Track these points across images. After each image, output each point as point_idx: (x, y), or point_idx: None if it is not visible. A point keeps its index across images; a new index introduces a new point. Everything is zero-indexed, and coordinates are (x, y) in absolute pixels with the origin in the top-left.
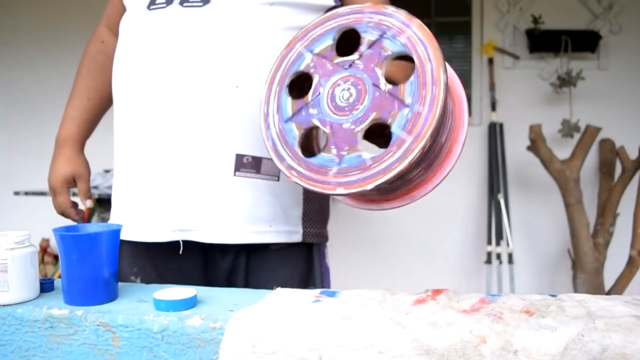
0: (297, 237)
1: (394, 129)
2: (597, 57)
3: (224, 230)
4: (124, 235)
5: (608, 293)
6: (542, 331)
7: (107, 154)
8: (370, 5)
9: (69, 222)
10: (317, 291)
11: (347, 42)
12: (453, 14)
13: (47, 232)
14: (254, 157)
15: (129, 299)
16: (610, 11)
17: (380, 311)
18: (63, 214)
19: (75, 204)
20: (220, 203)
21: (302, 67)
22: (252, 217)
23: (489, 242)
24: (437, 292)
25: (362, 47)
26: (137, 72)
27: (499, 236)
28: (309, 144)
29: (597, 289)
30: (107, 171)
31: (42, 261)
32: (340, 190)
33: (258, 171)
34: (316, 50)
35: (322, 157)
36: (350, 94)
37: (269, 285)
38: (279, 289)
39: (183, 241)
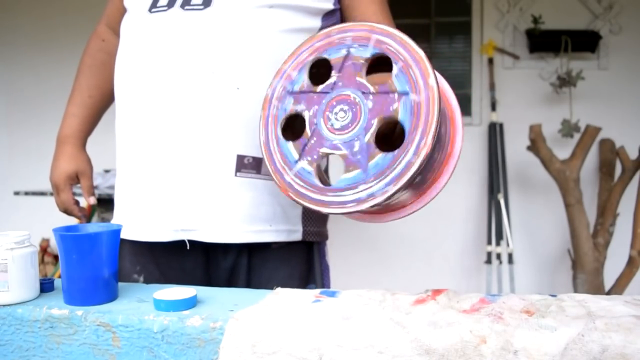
0: (297, 236)
1: (402, 117)
2: (597, 57)
3: (225, 230)
4: (127, 235)
5: (608, 293)
6: (542, 331)
7: (107, 153)
8: (337, 27)
9: (69, 222)
10: (317, 291)
11: (324, 66)
12: (453, 14)
13: (47, 232)
14: (254, 158)
15: (129, 299)
16: (610, 11)
17: (380, 311)
18: (66, 211)
19: (77, 202)
20: (222, 203)
21: (288, 110)
22: (252, 216)
23: (489, 242)
24: (437, 292)
25: (335, 69)
26: (140, 74)
27: (499, 236)
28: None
29: (597, 289)
30: (107, 171)
31: (42, 261)
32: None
33: (258, 172)
34: (296, 89)
35: (347, 177)
36: (345, 112)
37: (270, 284)
38: (279, 289)
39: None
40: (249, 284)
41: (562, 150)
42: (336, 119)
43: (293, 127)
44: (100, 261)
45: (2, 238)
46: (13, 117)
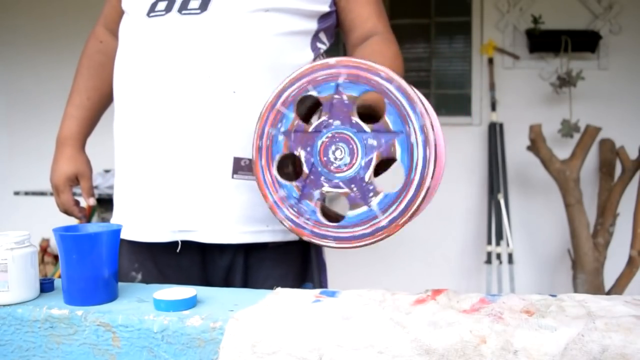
0: (293, 236)
1: (400, 156)
2: (597, 57)
3: (223, 231)
4: (126, 235)
5: (608, 293)
6: (542, 331)
7: (107, 153)
8: (320, 63)
9: (69, 222)
10: (317, 291)
11: (312, 102)
12: (453, 14)
13: (47, 232)
14: (251, 160)
15: (129, 299)
16: (610, 11)
17: (380, 311)
18: (66, 212)
19: (77, 202)
20: (219, 205)
21: (282, 149)
22: (249, 217)
23: (489, 242)
24: (437, 292)
25: (325, 106)
26: (138, 78)
27: (499, 236)
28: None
29: (597, 289)
30: (107, 171)
31: (42, 261)
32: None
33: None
34: (288, 128)
35: (355, 214)
36: (342, 151)
37: (267, 282)
38: (278, 289)
39: (183, 241)
40: (246, 282)
41: (562, 150)
42: (335, 158)
43: (288, 165)
44: (100, 261)
45: (2, 238)
46: (13, 117)
